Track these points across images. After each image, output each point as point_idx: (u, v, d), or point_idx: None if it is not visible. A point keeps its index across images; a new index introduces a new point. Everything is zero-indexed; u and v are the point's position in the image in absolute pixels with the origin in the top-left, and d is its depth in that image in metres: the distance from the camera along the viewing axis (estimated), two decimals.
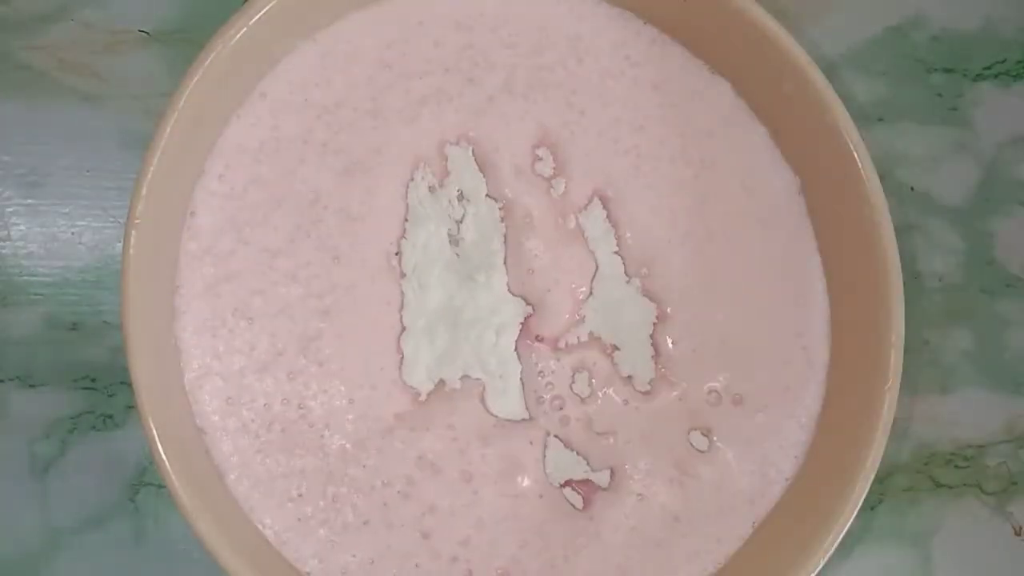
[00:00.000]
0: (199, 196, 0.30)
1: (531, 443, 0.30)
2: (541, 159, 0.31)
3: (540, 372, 0.31)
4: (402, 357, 0.30)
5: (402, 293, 0.30)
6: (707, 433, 0.31)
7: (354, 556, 0.29)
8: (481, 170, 0.31)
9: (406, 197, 0.31)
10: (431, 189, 0.31)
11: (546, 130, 0.31)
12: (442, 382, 0.30)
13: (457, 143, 0.31)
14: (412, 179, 0.31)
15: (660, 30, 0.32)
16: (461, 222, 0.31)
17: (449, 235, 0.31)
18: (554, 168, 0.31)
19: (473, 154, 0.31)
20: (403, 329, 0.30)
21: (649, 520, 0.30)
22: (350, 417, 0.29)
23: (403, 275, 0.30)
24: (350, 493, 0.29)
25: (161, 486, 0.32)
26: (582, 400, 0.30)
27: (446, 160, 0.31)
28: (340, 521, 0.29)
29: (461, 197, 0.31)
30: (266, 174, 0.30)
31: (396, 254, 0.30)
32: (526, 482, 0.30)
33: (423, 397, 0.30)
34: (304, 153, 0.30)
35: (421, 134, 0.31)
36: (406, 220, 0.30)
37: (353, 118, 0.31)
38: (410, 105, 0.31)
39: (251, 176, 0.30)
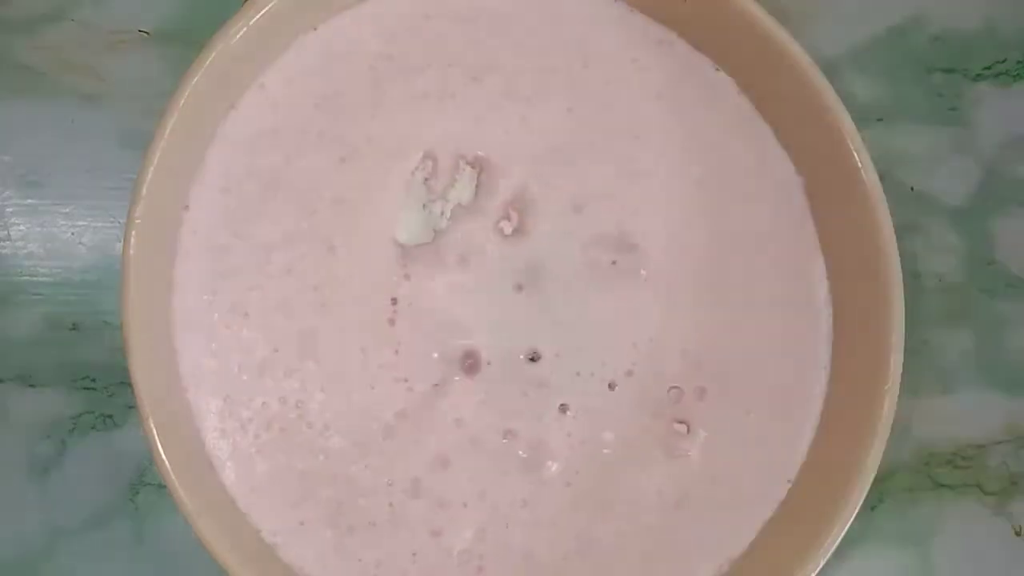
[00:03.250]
0: (198, 193, 0.30)
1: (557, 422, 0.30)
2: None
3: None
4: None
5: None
6: (706, 434, 0.31)
7: (360, 560, 0.28)
8: (482, 171, 0.31)
9: (404, 190, 0.30)
10: (427, 183, 0.31)
11: (547, 131, 0.31)
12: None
13: (457, 142, 0.31)
14: (412, 175, 0.31)
15: (665, 28, 0.32)
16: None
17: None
18: None
19: (472, 156, 0.31)
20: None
21: (649, 520, 0.30)
22: (350, 417, 0.29)
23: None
24: (352, 494, 0.29)
25: (161, 486, 0.32)
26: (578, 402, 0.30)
27: (445, 156, 0.31)
28: (343, 523, 0.29)
29: (461, 198, 0.31)
30: (263, 166, 0.30)
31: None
32: (554, 468, 0.30)
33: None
34: (301, 143, 0.30)
35: (420, 128, 0.31)
36: (403, 215, 0.30)
37: (352, 107, 0.30)
38: (411, 99, 0.31)
39: (249, 170, 0.30)
